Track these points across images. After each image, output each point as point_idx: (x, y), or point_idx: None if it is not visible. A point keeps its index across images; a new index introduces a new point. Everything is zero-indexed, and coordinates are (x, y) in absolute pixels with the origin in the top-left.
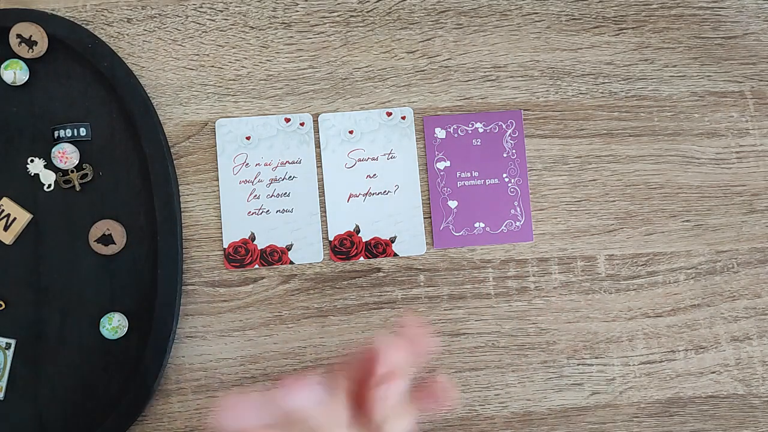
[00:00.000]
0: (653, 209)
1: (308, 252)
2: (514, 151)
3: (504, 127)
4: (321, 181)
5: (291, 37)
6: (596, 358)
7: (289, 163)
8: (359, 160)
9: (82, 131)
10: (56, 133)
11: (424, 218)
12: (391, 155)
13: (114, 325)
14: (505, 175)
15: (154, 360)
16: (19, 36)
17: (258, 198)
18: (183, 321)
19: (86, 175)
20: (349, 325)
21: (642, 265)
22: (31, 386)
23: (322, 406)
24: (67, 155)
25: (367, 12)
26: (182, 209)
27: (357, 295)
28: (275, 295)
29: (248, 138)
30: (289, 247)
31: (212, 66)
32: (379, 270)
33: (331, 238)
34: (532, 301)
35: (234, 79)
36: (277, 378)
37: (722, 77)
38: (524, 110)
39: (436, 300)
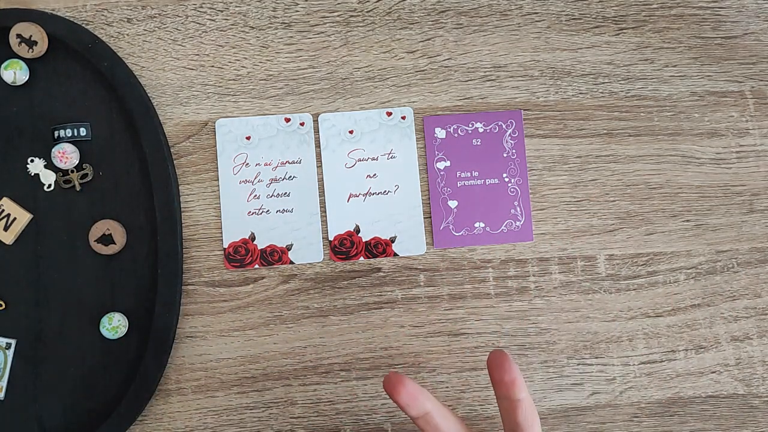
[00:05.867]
0: (653, 209)
1: (308, 252)
2: (514, 151)
3: (504, 127)
4: (321, 181)
5: (291, 37)
6: (596, 358)
7: (289, 163)
8: (359, 160)
9: (82, 131)
10: (56, 133)
11: (424, 218)
12: (391, 155)
13: (114, 325)
14: (505, 175)
15: (154, 360)
16: (19, 36)
17: (258, 198)
18: (183, 321)
19: (86, 175)
20: (349, 325)
21: (642, 265)
22: (31, 386)
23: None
24: (67, 155)
25: (367, 12)
26: (182, 209)
27: (357, 295)
28: (275, 295)
29: (248, 138)
30: (289, 247)
31: (212, 66)
32: (379, 270)
33: (331, 238)
34: (532, 301)
35: (234, 79)
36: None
37: (722, 77)
38: (524, 110)
39: (436, 300)
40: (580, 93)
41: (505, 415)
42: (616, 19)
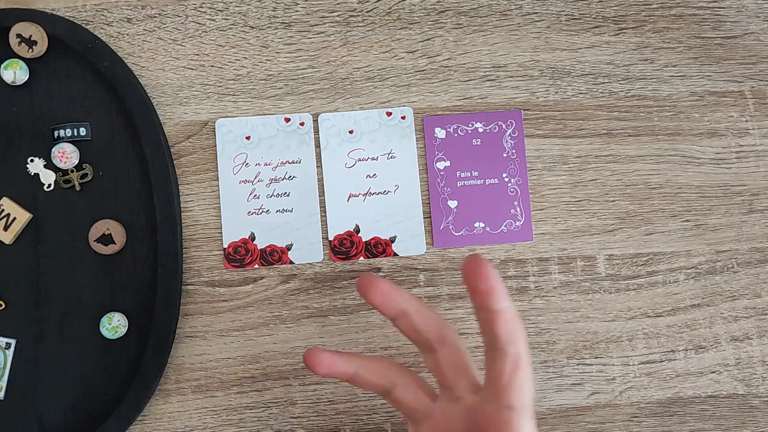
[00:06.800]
0: (653, 209)
1: (308, 252)
2: (514, 151)
3: (504, 126)
4: (321, 181)
5: (291, 37)
6: (596, 358)
7: (289, 163)
8: (359, 159)
9: (82, 131)
10: (56, 133)
11: (424, 218)
12: (391, 155)
13: (114, 325)
14: (505, 175)
15: (154, 360)
16: (19, 36)
17: (258, 198)
18: (183, 321)
19: (86, 174)
20: (349, 325)
21: (642, 264)
22: (31, 386)
23: None
24: (67, 155)
25: (367, 12)
26: (182, 209)
27: (357, 295)
28: (275, 295)
29: (248, 138)
30: (289, 247)
31: (212, 66)
32: (379, 270)
33: (330, 238)
34: (531, 300)
35: (234, 79)
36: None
37: (722, 77)
38: (524, 110)
39: (436, 300)
40: (580, 93)
41: (484, 329)
42: (616, 19)
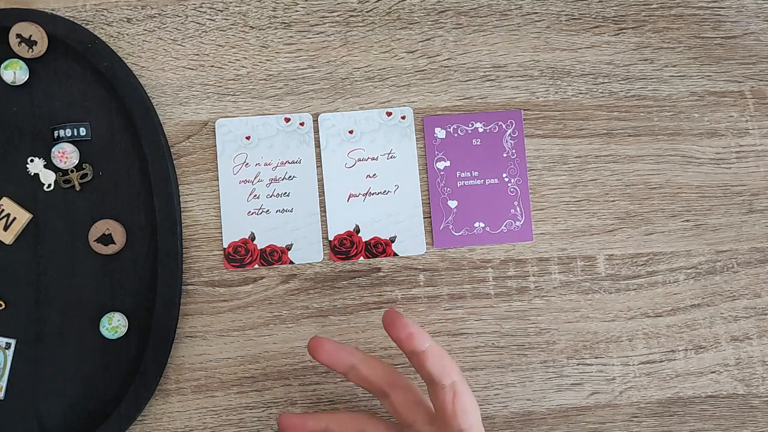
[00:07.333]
0: (653, 209)
1: (308, 252)
2: (514, 150)
3: (504, 126)
4: (321, 181)
5: (291, 37)
6: (596, 358)
7: (289, 163)
8: (359, 159)
9: (82, 131)
10: (56, 133)
11: (424, 218)
12: (391, 155)
13: (114, 325)
14: (505, 175)
15: (154, 360)
16: (19, 36)
17: (258, 198)
18: (183, 321)
19: (86, 174)
20: (349, 325)
21: (642, 264)
22: (31, 386)
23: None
24: (66, 155)
25: (367, 12)
26: (182, 209)
27: (357, 295)
28: (275, 295)
29: (248, 138)
30: (289, 247)
31: (212, 66)
32: (378, 270)
33: (330, 238)
34: (531, 300)
35: (234, 79)
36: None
37: (722, 77)
38: (524, 110)
39: (436, 300)
40: (580, 93)
41: (418, 369)
42: (616, 19)
